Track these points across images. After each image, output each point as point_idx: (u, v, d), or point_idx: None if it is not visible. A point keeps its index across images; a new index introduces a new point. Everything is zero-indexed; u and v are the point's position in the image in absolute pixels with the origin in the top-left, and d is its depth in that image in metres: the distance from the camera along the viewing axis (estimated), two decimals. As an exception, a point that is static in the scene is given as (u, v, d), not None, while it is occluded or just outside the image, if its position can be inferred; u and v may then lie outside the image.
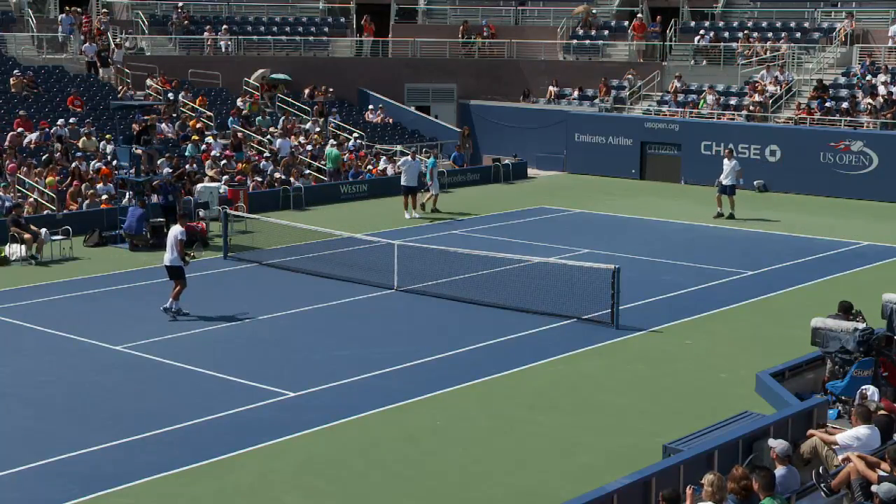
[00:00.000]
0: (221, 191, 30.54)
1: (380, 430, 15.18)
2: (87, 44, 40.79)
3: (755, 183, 31.90)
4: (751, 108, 39.08)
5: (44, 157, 31.38)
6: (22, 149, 32.00)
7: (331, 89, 43.11)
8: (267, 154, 36.11)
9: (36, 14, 42.00)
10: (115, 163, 31.06)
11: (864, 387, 14.11)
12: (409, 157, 32.57)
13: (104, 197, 29.45)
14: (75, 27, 41.76)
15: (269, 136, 37.73)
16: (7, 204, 27.75)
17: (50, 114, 35.20)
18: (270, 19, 46.04)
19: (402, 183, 31.86)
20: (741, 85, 41.19)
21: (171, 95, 38.86)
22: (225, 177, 32.08)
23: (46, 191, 29.53)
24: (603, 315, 20.26)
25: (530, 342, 19.28)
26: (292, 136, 38.45)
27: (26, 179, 29.90)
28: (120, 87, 39.06)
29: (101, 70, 39.98)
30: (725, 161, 31.72)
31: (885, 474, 10.99)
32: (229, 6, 46.48)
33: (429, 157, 33.49)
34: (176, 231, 20.44)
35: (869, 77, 38.75)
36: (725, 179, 31.30)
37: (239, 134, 36.35)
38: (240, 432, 14.89)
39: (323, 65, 43.94)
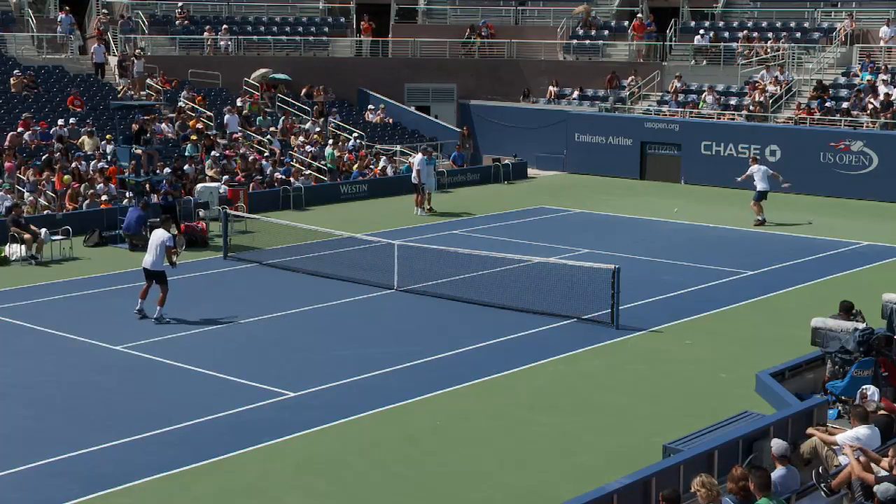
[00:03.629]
0: (221, 191, 30.55)
1: (380, 430, 15.17)
2: (96, 45, 40.61)
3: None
4: (751, 108, 39.08)
5: (44, 158, 31.37)
6: (21, 149, 31.98)
7: (330, 89, 43.11)
8: (267, 154, 36.13)
9: (36, 14, 41.97)
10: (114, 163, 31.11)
11: (864, 387, 14.11)
12: (418, 155, 33.06)
13: (104, 197, 29.45)
14: (74, 27, 41.80)
15: (268, 136, 37.75)
16: (7, 203, 27.78)
17: (50, 114, 35.20)
18: (270, 19, 46.03)
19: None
20: (741, 85, 41.20)
21: (185, 101, 38.66)
22: (225, 177, 32.08)
23: (47, 192, 29.51)
24: (603, 315, 20.25)
25: (530, 342, 19.27)
26: (293, 137, 38.48)
27: (24, 178, 29.88)
28: (120, 87, 39.05)
29: (119, 80, 39.60)
30: (753, 168, 30.58)
31: (884, 473, 11.00)
32: (229, 6, 46.46)
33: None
34: (164, 237, 20.19)
35: (869, 77, 38.73)
36: (760, 184, 30.38)
37: (193, 137, 35.63)
38: (240, 432, 14.89)
39: (323, 65, 43.93)
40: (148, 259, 20.30)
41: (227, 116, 37.53)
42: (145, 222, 26.91)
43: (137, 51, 40.32)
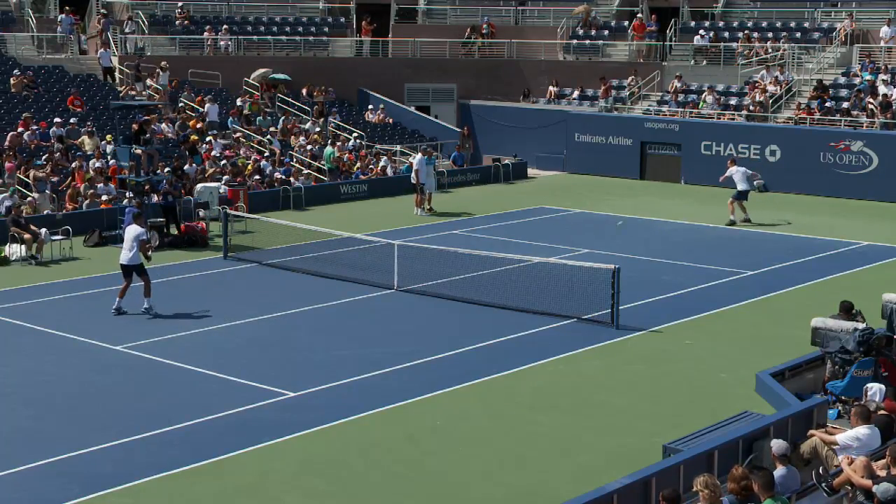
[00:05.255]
0: (221, 191, 30.54)
1: (380, 430, 15.17)
2: (102, 50, 40.53)
3: (755, 183, 31.80)
4: (751, 108, 39.07)
5: (44, 157, 31.35)
6: (21, 149, 31.95)
7: (331, 89, 43.12)
8: (267, 154, 36.12)
9: (36, 14, 41.99)
10: (112, 162, 31.07)
11: (868, 385, 14.09)
12: (417, 155, 33.07)
13: (104, 197, 29.45)
14: (75, 28, 41.78)
15: (268, 136, 37.73)
16: (7, 203, 27.77)
17: (50, 114, 35.19)
18: (270, 19, 46.03)
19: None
20: (741, 85, 41.19)
21: (185, 101, 38.59)
22: (225, 177, 32.06)
23: (47, 191, 29.50)
24: (603, 315, 20.25)
25: (530, 342, 19.27)
26: (293, 137, 38.47)
27: (27, 179, 29.88)
28: (121, 88, 39.04)
29: (136, 85, 39.35)
30: (732, 169, 30.70)
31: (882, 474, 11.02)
32: (229, 6, 46.47)
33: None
34: (138, 231, 20.86)
35: (870, 77, 38.72)
36: (740, 185, 30.48)
37: (193, 137, 35.46)
38: (240, 432, 14.88)
39: (323, 65, 43.93)
40: (125, 255, 20.84)
41: (207, 106, 37.45)
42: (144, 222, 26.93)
43: (164, 63, 40.14)
